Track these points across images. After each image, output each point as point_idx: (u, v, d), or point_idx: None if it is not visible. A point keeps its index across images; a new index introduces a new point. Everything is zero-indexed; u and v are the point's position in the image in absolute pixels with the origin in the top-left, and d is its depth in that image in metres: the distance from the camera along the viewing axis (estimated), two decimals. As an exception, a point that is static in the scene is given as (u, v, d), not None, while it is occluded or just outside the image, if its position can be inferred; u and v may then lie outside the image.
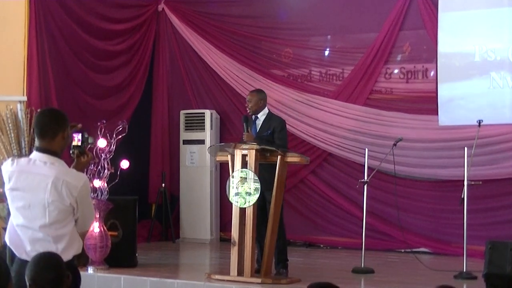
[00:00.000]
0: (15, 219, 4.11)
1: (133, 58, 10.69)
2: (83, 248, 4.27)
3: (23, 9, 9.15)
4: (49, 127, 4.08)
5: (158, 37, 11.10)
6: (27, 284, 3.44)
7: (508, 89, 8.98)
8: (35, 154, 4.10)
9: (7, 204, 4.25)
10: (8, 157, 8.55)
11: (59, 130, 4.09)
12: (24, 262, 3.81)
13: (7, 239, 4.16)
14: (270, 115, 7.81)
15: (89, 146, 4.30)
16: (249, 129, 7.54)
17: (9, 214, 4.24)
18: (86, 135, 4.22)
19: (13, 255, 4.16)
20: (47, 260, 3.50)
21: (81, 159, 4.20)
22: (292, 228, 9.76)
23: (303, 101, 10.13)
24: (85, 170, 4.62)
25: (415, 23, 9.62)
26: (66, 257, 3.91)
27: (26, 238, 4.05)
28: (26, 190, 4.04)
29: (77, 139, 4.19)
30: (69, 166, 4.15)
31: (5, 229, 7.58)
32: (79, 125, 4.25)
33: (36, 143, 4.13)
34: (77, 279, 4.07)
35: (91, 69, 10.06)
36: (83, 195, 4.06)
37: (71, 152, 4.20)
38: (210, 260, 9.58)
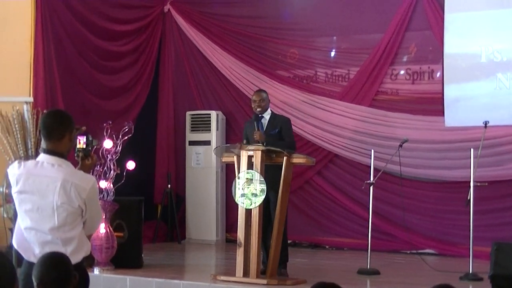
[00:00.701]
0: (22, 222, 4.10)
1: (139, 59, 10.70)
2: (88, 249, 4.27)
3: (29, 10, 9.17)
4: (55, 128, 4.08)
5: (164, 38, 11.12)
6: (35, 284, 3.44)
7: (514, 90, 8.97)
8: (42, 156, 4.10)
9: (14, 205, 4.25)
10: (15, 158, 8.62)
11: (66, 132, 4.09)
12: (32, 265, 3.81)
13: (14, 242, 4.16)
14: (274, 114, 7.92)
15: (93, 148, 4.31)
16: (258, 128, 7.58)
17: (15, 215, 4.24)
18: (90, 138, 4.22)
19: (19, 256, 4.16)
20: (53, 260, 3.49)
21: (85, 162, 4.20)
22: (298, 229, 9.77)
23: (309, 102, 10.13)
24: (91, 171, 4.61)
25: (421, 24, 9.61)
26: (76, 259, 3.90)
27: (34, 241, 4.04)
28: (34, 193, 4.04)
29: (82, 142, 4.19)
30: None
31: (11, 230, 7.59)
32: (83, 128, 4.25)
33: (43, 144, 4.14)
34: (86, 281, 4.08)
35: (97, 69, 10.07)
36: (92, 197, 4.07)
37: (75, 155, 4.20)
38: (215, 261, 9.58)
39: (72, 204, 4.00)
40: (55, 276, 3.42)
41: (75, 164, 4.18)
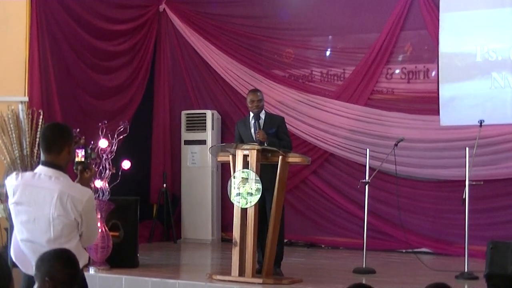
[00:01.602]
0: (19, 234, 4.10)
1: (135, 59, 10.69)
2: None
3: (25, 9, 9.16)
4: (55, 141, 4.11)
5: (159, 38, 11.11)
6: (43, 280, 3.37)
7: (509, 89, 8.98)
8: (40, 168, 4.12)
9: (8, 204, 4.25)
10: (10, 158, 8.60)
11: (65, 145, 4.11)
12: (31, 278, 3.80)
13: (12, 255, 4.16)
14: (269, 114, 7.95)
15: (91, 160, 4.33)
16: (259, 127, 7.55)
17: (11, 219, 4.23)
18: (89, 151, 4.27)
19: (15, 266, 4.16)
20: (66, 257, 3.46)
21: (84, 175, 4.22)
22: (294, 228, 9.78)
23: (304, 101, 10.13)
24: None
25: (416, 23, 9.62)
26: None
27: (31, 253, 4.04)
28: (31, 204, 4.05)
29: (80, 154, 4.23)
30: (73, 181, 4.15)
31: (6, 229, 7.58)
32: (82, 141, 4.28)
33: (42, 157, 4.16)
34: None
35: (92, 69, 10.06)
36: (88, 209, 4.07)
37: (74, 168, 4.23)
38: (211, 260, 9.58)
39: (68, 217, 4.00)
40: (68, 273, 3.40)
41: (73, 177, 4.19)
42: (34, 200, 4.03)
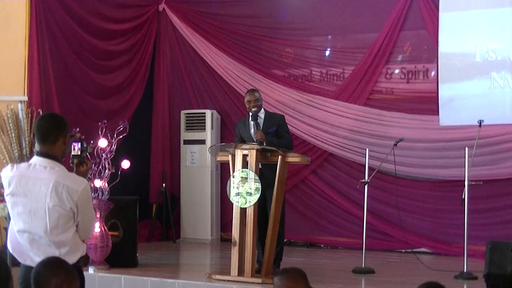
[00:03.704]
0: (15, 225, 4.09)
1: (134, 58, 10.69)
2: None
3: (24, 9, 9.15)
4: (50, 132, 4.09)
5: (158, 37, 11.11)
6: None
7: (508, 89, 8.99)
8: (35, 159, 4.10)
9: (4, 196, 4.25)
10: (9, 157, 8.60)
11: (60, 135, 4.09)
12: (29, 269, 3.79)
13: (9, 246, 4.15)
14: (268, 113, 7.92)
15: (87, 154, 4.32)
16: (258, 128, 7.55)
17: (9, 216, 4.23)
18: (85, 144, 4.25)
19: (14, 259, 4.15)
20: (52, 264, 3.45)
21: (80, 168, 4.21)
22: (293, 228, 9.77)
23: (304, 101, 10.13)
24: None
25: (415, 23, 9.62)
26: (71, 260, 3.88)
27: (28, 243, 4.04)
28: (27, 195, 4.03)
29: (76, 148, 4.22)
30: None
31: (6, 229, 7.58)
32: (78, 135, 4.26)
33: (37, 147, 4.13)
34: (82, 282, 4.08)
35: (92, 69, 10.06)
36: (84, 199, 4.05)
37: (70, 161, 4.21)
38: (210, 260, 9.57)
39: (63, 206, 3.99)
40: (56, 281, 3.39)
41: (70, 171, 4.17)
42: (30, 191, 4.02)
